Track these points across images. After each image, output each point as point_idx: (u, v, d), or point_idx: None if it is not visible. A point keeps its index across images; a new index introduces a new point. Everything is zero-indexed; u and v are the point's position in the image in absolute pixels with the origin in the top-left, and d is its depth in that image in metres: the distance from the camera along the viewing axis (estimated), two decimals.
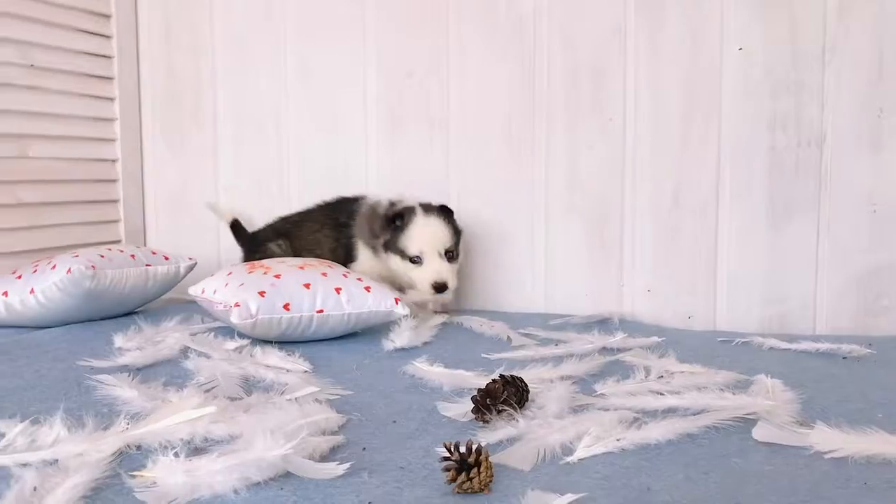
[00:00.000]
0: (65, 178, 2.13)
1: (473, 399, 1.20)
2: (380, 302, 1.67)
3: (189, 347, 1.52)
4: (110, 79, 2.27)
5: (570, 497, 0.87)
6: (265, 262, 1.77)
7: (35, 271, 1.74)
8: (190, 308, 1.87)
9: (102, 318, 1.81)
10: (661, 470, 0.98)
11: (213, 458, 0.94)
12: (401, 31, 2.18)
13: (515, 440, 1.08)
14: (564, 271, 2.10)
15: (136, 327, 1.66)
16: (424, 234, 1.93)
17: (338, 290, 1.64)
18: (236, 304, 1.56)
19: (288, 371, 1.43)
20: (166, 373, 1.41)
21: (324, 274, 1.67)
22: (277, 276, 1.63)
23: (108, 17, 2.25)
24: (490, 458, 0.96)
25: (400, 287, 1.95)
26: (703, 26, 1.94)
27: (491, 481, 0.94)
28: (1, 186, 1.95)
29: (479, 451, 0.95)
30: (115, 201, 2.30)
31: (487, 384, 1.22)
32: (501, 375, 1.24)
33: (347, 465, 0.97)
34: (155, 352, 1.51)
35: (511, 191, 2.12)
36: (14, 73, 1.97)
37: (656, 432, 1.06)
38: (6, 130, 1.96)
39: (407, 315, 1.68)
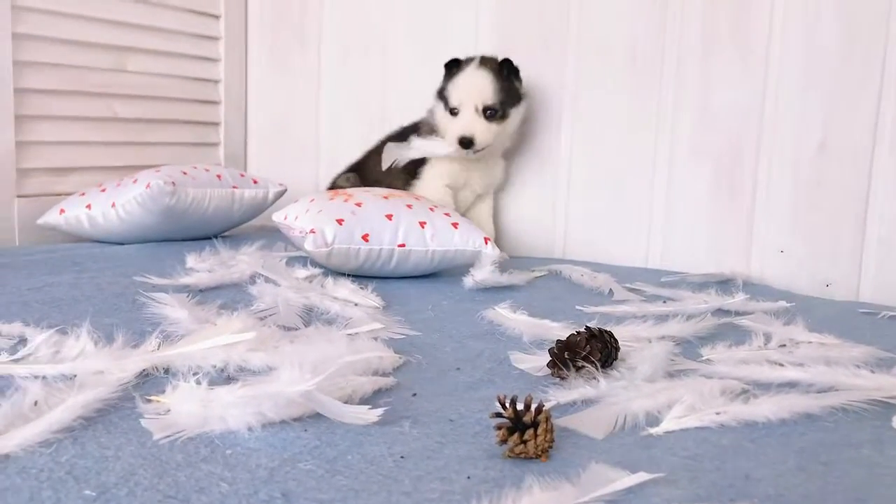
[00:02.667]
0: (164, 95, 2.06)
1: (551, 351, 1.03)
2: (467, 240, 1.51)
3: (258, 273, 1.41)
4: None
5: (642, 476, 0.69)
6: (349, 189, 1.64)
7: (118, 185, 1.68)
8: (276, 235, 1.77)
9: (184, 239, 1.73)
10: (766, 454, 0.78)
11: (232, 389, 0.82)
12: None
13: (593, 402, 0.91)
14: (685, 223, 1.87)
15: (213, 249, 1.57)
16: (464, 85, 1.79)
17: (422, 224, 1.50)
18: (311, 231, 1.44)
19: (356, 305, 1.30)
20: (227, 296, 1.31)
21: (409, 206, 1.53)
22: (358, 205, 1.50)
23: None
24: (553, 420, 0.79)
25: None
26: None
27: (550, 447, 0.77)
28: (97, 99, 1.91)
29: (538, 409, 0.79)
30: (217, 124, 2.23)
31: (569, 336, 1.04)
32: (587, 328, 1.06)
33: (381, 410, 0.82)
34: (223, 275, 1.41)
35: (630, 125, 1.90)
36: None
37: (767, 408, 0.86)
38: (104, 41, 1.90)
39: (497, 257, 1.51)
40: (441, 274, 1.57)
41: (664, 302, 1.43)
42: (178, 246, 1.64)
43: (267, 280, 1.38)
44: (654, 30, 1.85)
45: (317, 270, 1.46)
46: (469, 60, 1.84)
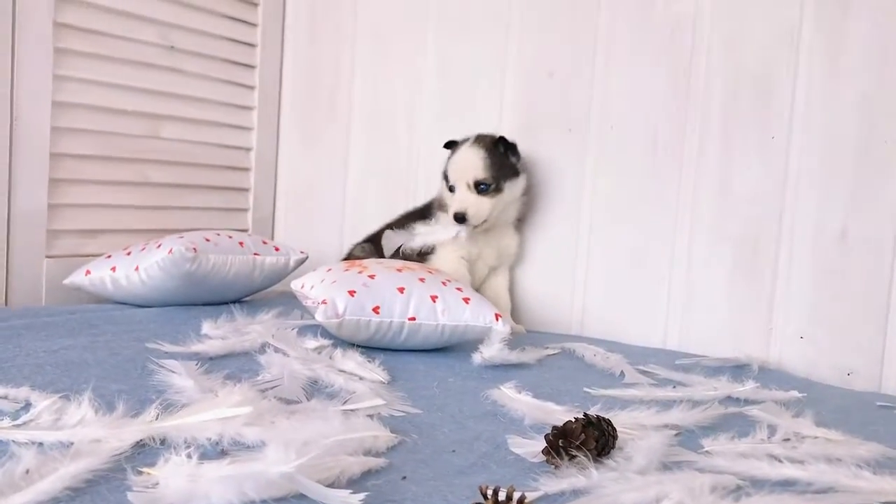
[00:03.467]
0: (195, 161, 2.13)
1: (546, 437, 1.02)
2: (478, 316, 1.51)
3: (268, 342, 1.43)
4: (252, 67, 2.26)
5: None
6: (364, 261, 1.66)
7: (143, 249, 1.72)
8: (294, 302, 1.79)
9: (205, 304, 1.76)
10: None
11: (220, 465, 0.83)
12: (545, 29, 2.03)
13: (582, 494, 0.90)
14: (704, 306, 1.86)
15: (230, 315, 1.60)
16: (458, 163, 1.89)
17: (433, 298, 1.51)
18: (323, 302, 1.46)
19: (361, 379, 1.31)
20: (235, 365, 1.33)
21: (421, 279, 1.54)
22: (372, 277, 1.52)
23: (255, 4, 2.25)
24: None
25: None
26: (894, 39, 1.65)
27: None
28: (130, 164, 1.97)
29: (520, 501, 0.78)
30: (246, 190, 2.29)
31: (566, 423, 1.04)
32: (585, 414, 1.05)
33: (363, 495, 0.82)
34: (235, 343, 1.43)
35: (651, 208, 1.91)
36: (151, 53, 1.98)
37: None
38: (140, 109, 1.97)
39: (508, 334, 1.51)
40: (452, 349, 1.57)
41: (674, 387, 1.42)
42: (197, 311, 1.67)
43: (276, 350, 1.39)
44: (675, 114, 1.87)
45: (327, 341, 1.47)
46: (465, 140, 1.92)
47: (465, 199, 1.85)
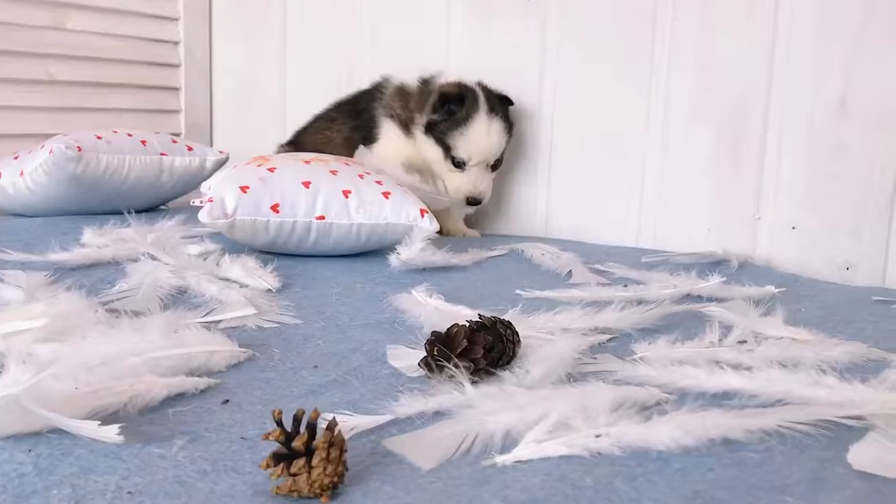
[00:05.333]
0: (109, 56, 1.89)
1: (426, 345, 0.81)
2: (400, 212, 1.29)
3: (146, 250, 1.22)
4: None
5: None
6: (269, 155, 1.43)
7: (30, 152, 1.50)
8: None
9: (105, 213, 1.53)
10: (642, 500, 0.55)
11: None
12: None
13: (445, 416, 0.68)
14: (683, 196, 1.61)
15: (120, 222, 1.38)
16: (481, 141, 1.57)
17: (346, 193, 1.28)
18: (210, 200, 1.24)
19: (243, 287, 1.09)
20: (97, 276, 1.12)
21: (333, 172, 1.31)
22: (272, 170, 1.29)
23: None
24: (344, 446, 0.57)
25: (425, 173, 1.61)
26: None
27: (335, 483, 0.55)
28: (30, 59, 1.74)
29: (325, 429, 0.57)
30: (176, 89, 2.05)
31: (450, 327, 0.82)
32: (480, 316, 0.84)
33: (118, 427, 0.61)
34: (110, 252, 1.22)
35: (620, 85, 1.64)
36: None
37: (667, 431, 0.62)
38: None
39: (433, 232, 1.29)
40: (374, 253, 1.35)
41: (625, 286, 1.19)
42: (91, 220, 1.45)
43: (153, 258, 1.18)
44: None
45: (217, 246, 1.25)
46: (474, 101, 1.57)
47: (481, 180, 1.60)
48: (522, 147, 1.76)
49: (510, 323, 0.83)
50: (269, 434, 0.56)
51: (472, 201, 1.60)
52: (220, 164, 1.67)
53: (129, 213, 1.42)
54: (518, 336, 0.83)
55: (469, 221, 1.75)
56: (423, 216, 1.29)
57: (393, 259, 1.24)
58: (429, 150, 1.59)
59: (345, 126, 1.66)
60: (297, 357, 0.86)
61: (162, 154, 1.58)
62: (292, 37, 2.02)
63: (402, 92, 1.63)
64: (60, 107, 1.80)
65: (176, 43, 2.03)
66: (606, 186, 1.68)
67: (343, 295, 1.12)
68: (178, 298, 1.04)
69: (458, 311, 1.01)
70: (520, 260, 1.41)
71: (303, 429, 0.57)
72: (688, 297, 1.13)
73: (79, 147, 1.44)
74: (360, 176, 1.32)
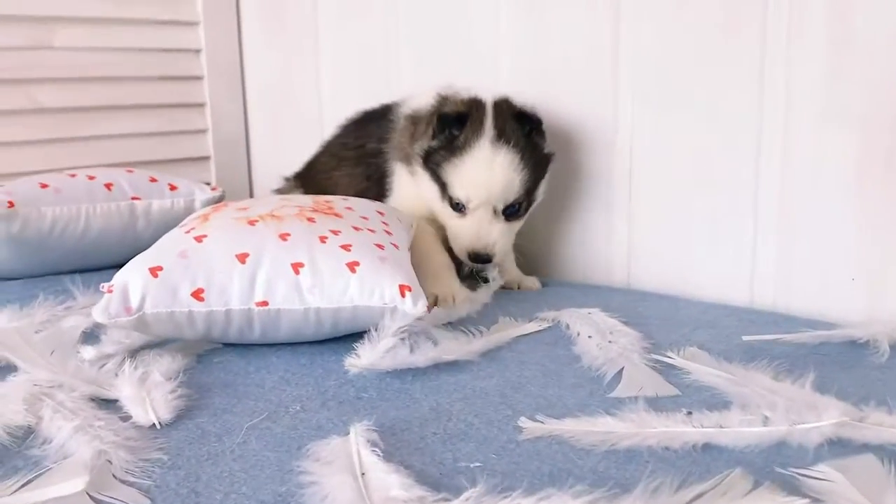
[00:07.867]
0: (108, 75, 1.62)
1: None
2: (371, 290, 0.91)
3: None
4: None
5: None
6: (220, 206, 1.09)
7: None
8: None
9: (77, 271, 1.26)
10: None
11: None
12: None
13: None
14: (814, 231, 1.14)
15: (54, 295, 1.11)
16: (479, 176, 1.16)
17: (296, 267, 0.92)
18: (109, 290, 0.91)
19: (124, 419, 0.77)
20: None
21: (284, 236, 0.95)
22: (199, 239, 0.95)
23: None
24: None
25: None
26: None
27: None
28: (12, 86, 1.50)
29: None
30: (201, 105, 1.77)
31: None
32: None
33: None
34: None
35: (719, 85, 1.19)
36: None
37: None
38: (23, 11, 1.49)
39: (418, 316, 0.91)
40: (349, 337, 0.98)
41: (689, 413, 0.76)
42: (32, 286, 1.18)
43: (16, 369, 0.88)
44: None
45: (130, 342, 0.94)
46: (477, 123, 1.17)
47: (487, 230, 1.18)
48: (592, 168, 1.33)
49: None
50: None
51: (475, 257, 1.19)
52: (215, 203, 1.36)
53: (72, 280, 1.13)
54: None
55: (526, 268, 1.35)
56: (403, 295, 0.91)
57: (350, 363, 0.87)
58: (427, 187, 1.21)
59: (355, 171, 1.32)
60: None
61: (134, 198, 1.30)
62: (324, 37, 1.68)
63: (413, 121, 1.25)
64: (52, 138, 1.55)
65: (197, 51, 1.74)
66: (707, 219, 1.23)
67: (256, 431, 0.77)
68: (5, 453, 0.73)
69: (387, 491, 0.63)
70: (556, 343, 1.00)
71: None
72: (783, 447, 0.69)
73: (10, 203, 1.17)
74: (322, 239, 0.96)
